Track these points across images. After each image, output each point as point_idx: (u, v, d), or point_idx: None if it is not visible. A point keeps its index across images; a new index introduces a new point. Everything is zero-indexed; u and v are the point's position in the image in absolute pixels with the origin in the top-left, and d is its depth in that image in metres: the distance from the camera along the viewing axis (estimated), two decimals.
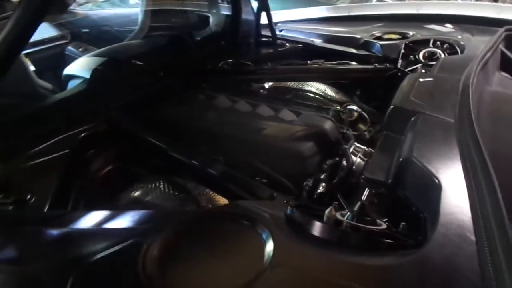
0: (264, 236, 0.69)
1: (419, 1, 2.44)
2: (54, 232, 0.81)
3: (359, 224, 0.72)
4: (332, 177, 1.27)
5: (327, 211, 0.75)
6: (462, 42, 1.80)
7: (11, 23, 0.92)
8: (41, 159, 1.19)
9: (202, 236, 0.73)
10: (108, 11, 3.60)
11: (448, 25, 2.13)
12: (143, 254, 0.68)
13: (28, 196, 1.02)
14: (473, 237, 0.66)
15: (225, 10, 2.31)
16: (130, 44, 2.19)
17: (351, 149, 1.37)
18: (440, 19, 2.18)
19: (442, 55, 1.77)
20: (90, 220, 0.85)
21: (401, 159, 0.92)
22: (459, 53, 1.75)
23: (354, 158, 1.30)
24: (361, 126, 1.73)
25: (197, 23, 2.42)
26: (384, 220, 0.81)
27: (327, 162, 1.33)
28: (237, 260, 0.67)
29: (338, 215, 0.77)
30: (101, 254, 0.70)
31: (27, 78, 1.57)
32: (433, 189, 0.80)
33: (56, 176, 1.13)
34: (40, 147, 1.23)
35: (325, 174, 1.30)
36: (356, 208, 0.78)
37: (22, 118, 1.33)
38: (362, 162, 1.27)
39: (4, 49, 0.95)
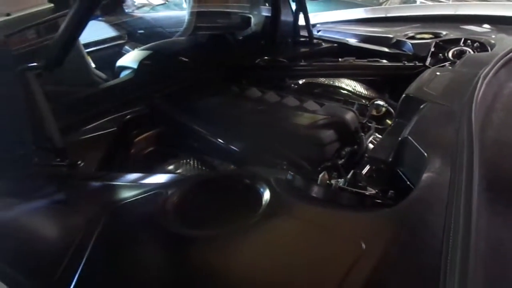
0: (262, 192, 0.82)
1: (457, 2, 2.44)
2: (95, 185, 0.99)
3: (345, 187, 0.83)
4: (349, 163, 1.37)
5: (320, 175, 0.86)
6: (493, 41, 1.81)
7: (68, 18, 1.11)
8: (92, 134, 1.39)
9: (211, 190, 0.87)
10: (161, 14, 3.87)
11: (485, 25, 2.14)
12: (163, 200, 0.83)
13: (79, 162, 1.21)
14: (445, 200, 0.75)
15: (266, 11, 2.45)
16: (176, 40, 2.40)
17: (370, 139, 1.46)
18: (478, 19, 2.18)
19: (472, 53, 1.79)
20: (124, 178, 1.02)
21: (399, 139, 1.01)
22: (489, 51, 1.76)
23: (370, 146, 1.39)
24: (388, 121, 1.80)
25: (239, 24, 2.58)
26: (377, 189, 0.91)
27: (346, 149, 1.42)
28: (236, 209, 0.80)
29: (333, 181, 0.88)
30: (129, 200, 0.86)
31: (85, 68, 1.81)
32: (422, 163, 0.88)
33: (103, 149, 1.33)
34: (93, 124, 1.44)
35: (342, 160, 1.40)
36: (349, 175, 0.89)
37: (79, 100, 1.55)
38: None
39: (63, 40, 1.15)
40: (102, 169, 1.25)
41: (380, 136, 1.49)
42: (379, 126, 1.64)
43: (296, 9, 2.34)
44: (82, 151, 1.27)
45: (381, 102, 1.79)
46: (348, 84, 1.98)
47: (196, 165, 1.36)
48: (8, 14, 1.30)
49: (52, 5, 1.40)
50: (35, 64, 1.13)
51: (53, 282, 0.64)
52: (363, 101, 1.87)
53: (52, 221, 0.87)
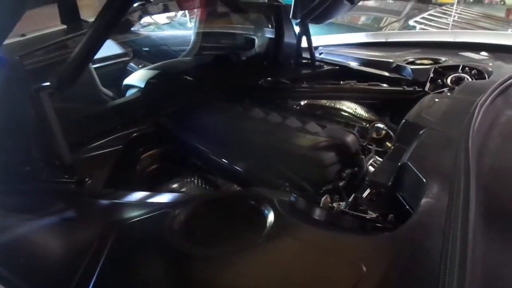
0: (266, 213, 0.85)
1: (456, 30, 2.51)
2: (103, 203, 1.02)
3: (347, 210, 0.86)
4: (350, 185, 1.40)
5: (323, 199, 0.89)
6: (490, 69, 1.86)
7: (83, 41, 1.16)
8: (99, 152, 1.43)
9: (217, 210, 0.90)
10: (167, 33, 3.95)
11: (483, 53, 2.19)
12: (171, 219, 0.86)
13: (87, 179, 1.24)
14: (443, 226, 0.78)
15: (269, 33, 2.52)
16: (182, 60, 2.46)
17: (371, 161, 1.49)
18: (476, 47, 2.24)
19: (470, 80, 1.84)
20: (132, 196, 1.05)
21: (399, 164, 1.04)
22: (487, 79, 1.81)
23: (371, 168, 1.43)
24: (388, 144, 1.83)
25: (243, 45, 2.65)
26: (378, 213, 0.94)
27: (346, 171, 1.46)
28: (241, 229, 0.83)
29: (335, 204, 0.91)
30: (137, 218, 0.89)
31: (93, 87, 1.86)
32: (421, 189, 0.91)
33: (109, 166, 1.36)
34: (100, 142, 1.48)
35: (343, 182, 1.43)
36: (350, 199, 0.92)
37: (87, 118, 1.59)
38: None
39: (77, 62, 1.19)
40: (109, 186, 1.28)
41: (380, 159, 1.52)
42: (379, 149, 1.67)
43: (299, 32, 2.40)
44: (89, 168, 1.31)
45: (381, 125, 1.82)
46: (349, 107, 2.03)
47: (199, 183, 1.40)
48: (23, 35, 1.35)
49: (65, 26, 1.45)
50: (48, 84, 1.17)
51: None
52: (364, 123, 1.91)
53: (63, 238, 0.90)
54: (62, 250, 0.86)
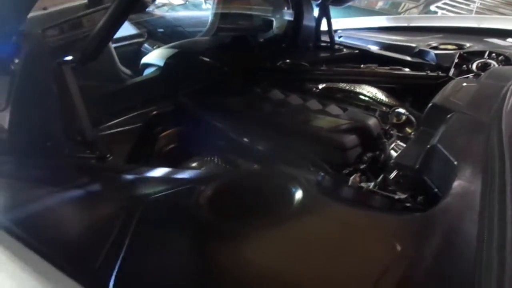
0: (294, 191, 0.84)
1: (480, 15, 2.44)
2: (127, 177, 1.01)
3: (376, 190, 0.84)
4: (371, 168, 1.38)
5: (351, 178, 0.88)
6: None
7: (107, 15, 1.14)
8: (120, 129, 1.43)
9: (243, 187, 0.89)
10: (181, 13, 3.92)
11: (509, 39, 2.13)
12: (197, 194, 0.85)
13: (108, 155, 1.24)
14: (477, 208, 0.76)
15: (288, 15, 2.48)
16: (200, 40, 2.44)
17: (392, 146, 1.47)
18: (501, 34, 2.18)
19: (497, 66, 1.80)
20: (155, 172, 1.04)
21: (428, 146, 1.02)
22: None
23: (393, 152, 1.40)
24: (408, 129, 1.80)
25: (261, 26, 2.62)
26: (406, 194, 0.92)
27: (367, 155, 1.44)
28: (269, 207, 0.82)
29: (363, 184, 0.89)
30: (164, 192, 0.88)
31: (113, 65, 1.84)
32: (452, 172, 0.89)
33: (129, 143, 1.36)
34: (120, 119, 1.47)
35: (364, 165, 1.41)
36: (379, 179, 0.90)
37: (107, 95, 1.59)
38: None
39: (99, 37, 1.18)
40: (129, 163, 1.28)
41: (401, 144, 1.50)
42: (399, 134, 1.64)
43: (318, 14, 2.36)
44: (110, 145, 1.30)
45: (402, 110, 1.79)
46: (369, 91, 1.99)
47: (219, 163, 1.39)
48: (44, 8, 1.34)
49: (85, 1, 1.44)
50: (71, 57, 1.16)
51: (96, 269, 0.66)
52: (384, 108, 1.88)
53: (89, 210, 0.89)
54: (90, 222, 0.85)
